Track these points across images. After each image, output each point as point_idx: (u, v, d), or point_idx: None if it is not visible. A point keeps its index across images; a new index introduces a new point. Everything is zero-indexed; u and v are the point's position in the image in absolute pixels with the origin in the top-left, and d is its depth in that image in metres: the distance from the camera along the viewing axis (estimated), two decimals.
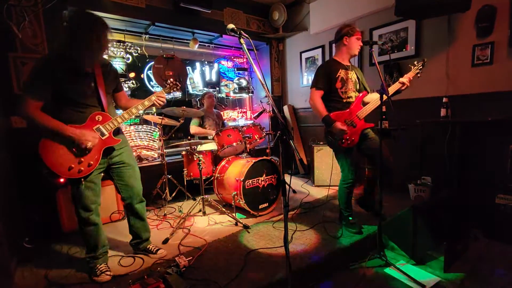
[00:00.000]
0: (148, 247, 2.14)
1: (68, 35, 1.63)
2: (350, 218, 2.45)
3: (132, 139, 3.56)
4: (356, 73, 2.43)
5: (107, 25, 1.69)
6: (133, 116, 1.92)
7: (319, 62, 4.30)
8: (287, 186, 1.32)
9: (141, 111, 1.96)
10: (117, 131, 1.92)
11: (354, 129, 2.29)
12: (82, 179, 1.76)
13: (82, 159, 1.72)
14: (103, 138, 1.79)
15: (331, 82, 2.33)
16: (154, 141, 3.75)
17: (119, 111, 2.02)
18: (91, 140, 1.70)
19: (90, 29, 1.62)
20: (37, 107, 1.62)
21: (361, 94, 2.36)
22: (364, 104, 2.35)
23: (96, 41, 1.64)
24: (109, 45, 1.76)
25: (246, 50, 1.39)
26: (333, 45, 2.55)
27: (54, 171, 1.64)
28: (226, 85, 4.88)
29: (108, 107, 1.85)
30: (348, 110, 2.31)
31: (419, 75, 2.33)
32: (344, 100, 2.35)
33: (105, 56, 2.49)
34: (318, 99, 2.33)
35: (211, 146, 3.52)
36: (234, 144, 3.07)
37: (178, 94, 4.32)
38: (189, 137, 3.08)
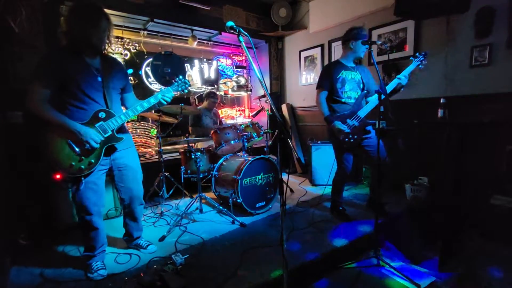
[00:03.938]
0: (139, 242, 2.17)
1: (69, 22, 1.62)
2: (340, 208, 2.69)
3: None
4: (361, 74, 2.53)
5: (107, 14, 1.68)
6: (137, 114, 1.87)
7: (318, 61, 4.29)
8: (284, 185, 1.32)
9: (146, 109, 1.90)
10: (123, 130, 1.88)
11: (357, 127, 2.40)
12: (82, 178, 1.70)
13: (83, 157, 1.66)
14: (106, 135, 1.73)
15: (333, 82, 2.46)
16: (151, 138, 3.74)
17: None
18: (94, 138, 1.65)
19: (89, 13, 1.61)
20: (43, 99, 1.59)
21: (362, 94, 2.48)
22: (366, 103, 2.48)
23: (96, 30, 1.63)
24: (111, 33, 1.72)
25: (245, 48, 1.38)
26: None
27: (53, 167, 1.60)
28: (224, 83, 4.87)
29: (114, 105, 1.80)
30: (349, 109, 2.44)
31: (420, 66, 2.36)
32: (344, 100, 2.48)
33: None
34: (322, 98, 2.50)
35: (208, 144, 3.52)
36: (232, 142, 3.07)
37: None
38: (186, 135, 3.07)
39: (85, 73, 1.68)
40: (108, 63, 1.81)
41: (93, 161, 1.70)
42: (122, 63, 3.67)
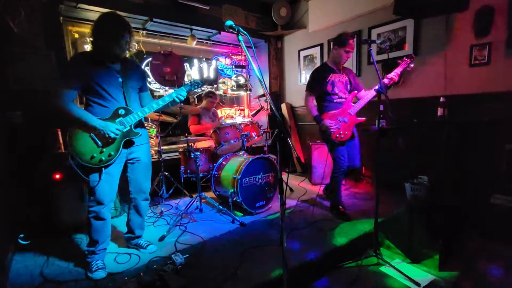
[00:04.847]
0: (139, 242, 2.19)
1: (95, 34, 1.79)
2: (340, 207, 2.70)
3: None
4: (347, 75, 2.69)
5: (130, 28, 1.83)
6: (153, 111, 2.01)
7: (318, 61, 4.29)
8: (284, 184, 1.32)
9: (161, 106, 2.03)
10: (140, 126, 2.04)
11: (347, 124, 2.53)
12: (103, 169, 1.84)
13: (104, 149, 1.81)
14: (124, 130, 1.87)
15: (322, 85, 2.59)
16: (151, 138, 3.73)
17: None
18: (113, 132, 1.79)
19: (114, 27, 1.77)
20: (69, 99, 1.75)
21: (352, 94, 2.61)
22: (356, 101, 2.57)
23: (119, 43, 1.79)
24: (132, 43, 1.90)
25: (245, 47, 1.38)
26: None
27: (78, 158, 1.74)
28: (224, 82, 4.86)
29: (132, 103, 1.95)
30: (340, 108, 2.57)
31: (408, 69, 2.46)
32: (335, 100, 2.62)
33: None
34: (310, 101, 2.63)
35: (208, 143, 3.52)
36: (232, 141, 3.07)
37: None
38: (186, 134, 3.07)
39: (107, 75, 1.85)
40: (127, 65, 1.96)
41: (112, 153, 1.84)
42: None
